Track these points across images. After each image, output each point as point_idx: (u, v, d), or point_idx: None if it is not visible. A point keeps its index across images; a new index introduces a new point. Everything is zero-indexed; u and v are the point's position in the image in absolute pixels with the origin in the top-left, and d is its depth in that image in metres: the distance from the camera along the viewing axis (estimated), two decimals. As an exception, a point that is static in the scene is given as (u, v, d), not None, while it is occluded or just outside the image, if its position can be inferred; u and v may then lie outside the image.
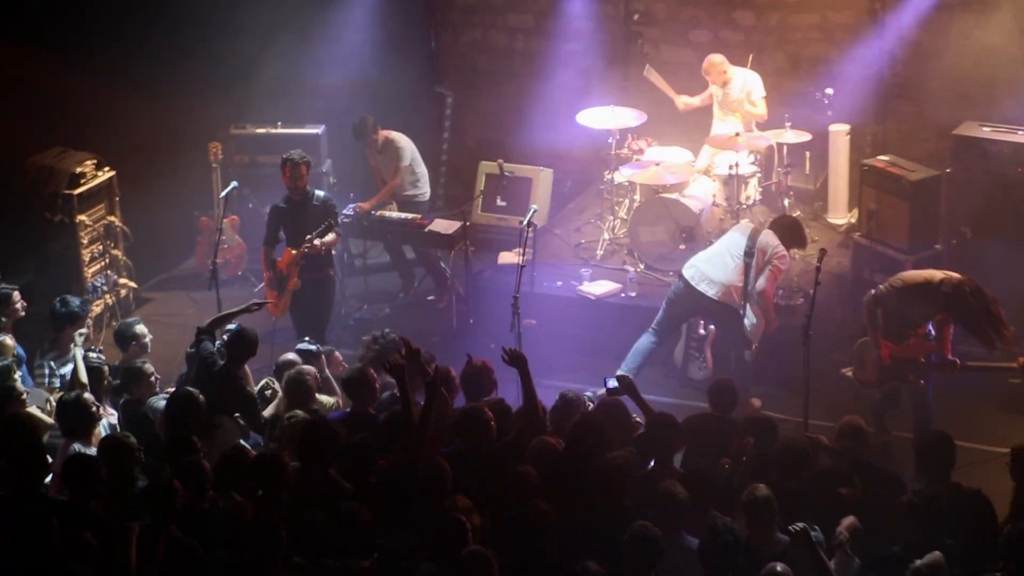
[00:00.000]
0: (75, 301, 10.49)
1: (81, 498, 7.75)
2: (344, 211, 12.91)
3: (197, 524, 7.65)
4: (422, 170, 13.42)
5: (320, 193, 11.94)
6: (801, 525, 7.11)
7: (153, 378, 9.68)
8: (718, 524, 7.27)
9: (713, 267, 10.99)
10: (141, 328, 10.33)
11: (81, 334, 10.16)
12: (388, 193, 13.18)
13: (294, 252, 11.62)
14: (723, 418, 9.05)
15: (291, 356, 9.97)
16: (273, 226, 11.88)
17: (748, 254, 10.87)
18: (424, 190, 13.45)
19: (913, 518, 7.56)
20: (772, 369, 11.55)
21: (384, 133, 13.24)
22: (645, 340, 11.22)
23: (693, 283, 10.98)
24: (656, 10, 14.44)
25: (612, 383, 8.91)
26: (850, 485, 8.16)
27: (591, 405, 9.34)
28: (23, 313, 10.67)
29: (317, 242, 11.52)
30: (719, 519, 7.46)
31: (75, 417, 8.80)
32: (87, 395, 8.95)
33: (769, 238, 10.91)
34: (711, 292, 10.93)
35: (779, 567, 6.95)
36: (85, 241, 12.79)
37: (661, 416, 8.48)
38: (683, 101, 13.42)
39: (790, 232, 11.05)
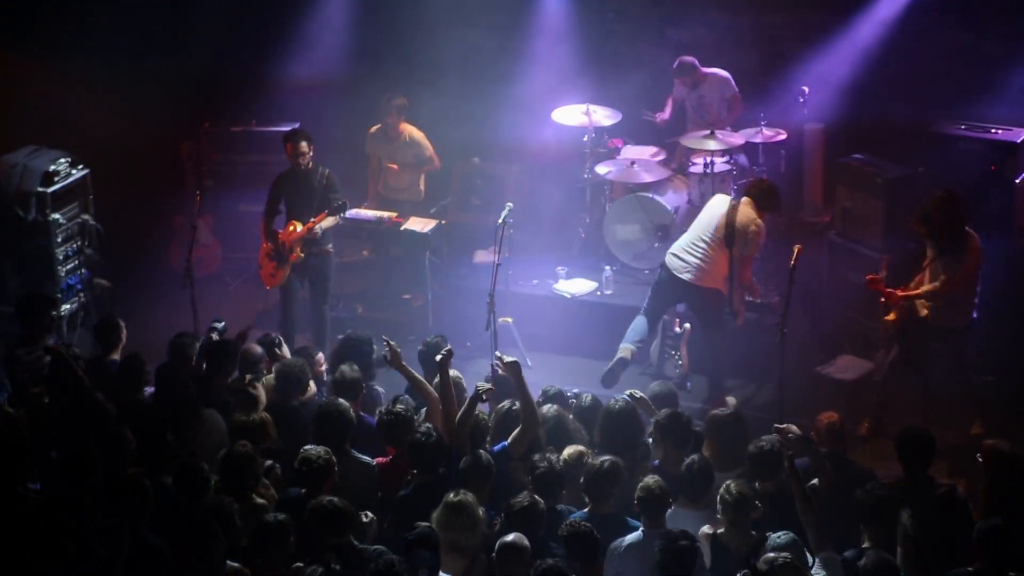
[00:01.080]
0: (42, 293, 10.47)
1: (78, 492, 7.81)
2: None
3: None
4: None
5: (324, 169, 11.91)
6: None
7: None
8: (672, 531, 7.31)
9: (689, 252, 11.04)
10: (120, 321, 10.35)
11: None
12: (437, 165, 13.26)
13: (299, 228, 11.65)
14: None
15: (255, 348, 9.99)
16: (274, 197, 11.91)
17: (728, 238, 10.87)
18: (421, 193, 13.42)
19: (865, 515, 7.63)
20: (747, 367, 11.58)
21: (408, 126, 13.18)
22: (640, 320, 11.27)
23: (673, 271, 11.03)
24: (631, 9, 14.45)
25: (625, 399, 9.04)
26: (822, 475, 8.20)
27: (573, 403, 9.39)
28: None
29: (318, 228, 11.60)
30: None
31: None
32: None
33: (746, 214, 10.88)
34: (688, 277, 10.97)
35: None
36: (59, 239, 12.71)
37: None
38: (660, 118, 13.47)
39: (766, 196, 11.02)
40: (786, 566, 6.89)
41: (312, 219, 11.60)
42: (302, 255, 11.72)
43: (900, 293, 10.24)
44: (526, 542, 7.25)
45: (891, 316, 10.35)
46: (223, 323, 10.41)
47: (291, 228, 11.71)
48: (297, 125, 13.84)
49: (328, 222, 11.69)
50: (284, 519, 7.47)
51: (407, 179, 13.28)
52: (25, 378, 10.01)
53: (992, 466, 8.12)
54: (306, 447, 8.19)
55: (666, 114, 13.46)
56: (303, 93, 14.56)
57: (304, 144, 11.65)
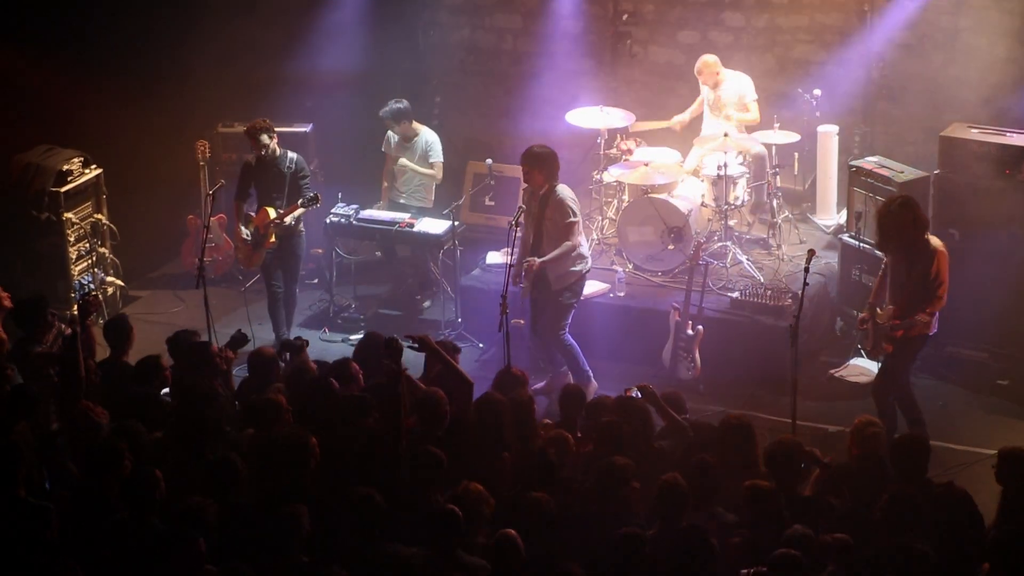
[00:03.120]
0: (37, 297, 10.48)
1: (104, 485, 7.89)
2: (333, 210, 12.88)
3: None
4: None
5: (292, 155, 12.06)
6: None
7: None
8: (691, 524, 7.33)
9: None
10: (131, 322, 10.34)
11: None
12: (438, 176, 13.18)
13: (272, 215, 11.81)
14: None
15: (267, 350, 9.97)
16: (243, 181, 12.11)
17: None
18: (431, 200, 13.32)
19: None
20: (759, 370, 11.56)
21: (416, 125, 13.09)
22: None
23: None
24: (645, 11, 14.43)
25: (636, 394, 8.98)
26: (839, 495, 8.17)
27: None
28: (10, 304, 10.61)
29: (288, 219, 11.82)
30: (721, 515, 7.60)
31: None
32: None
33: (560, 193, 10.87)
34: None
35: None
36: (72, 239, 12.75)
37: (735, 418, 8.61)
38: (676, 120, 13.45)
39: (547, 161, 10.90)
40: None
41: (283, 209, 11.82)
42: (276, 242, 11.93)
43: (899, 328, 10.02)
44: None
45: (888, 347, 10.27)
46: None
47: (265, 213, 11.88)
48: (310, 127, 13.90)
49: (299, 211, 11.92)
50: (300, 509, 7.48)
51: (417, 184, 13.21)
52: (34, 374, 10.05)
53: (1004, 470, 8.06)
54: None
55: (686, 115, 13.42)
56: (316, 92, 14.57)
57: (264, 137, 11.87)
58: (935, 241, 10.01)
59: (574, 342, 11.28)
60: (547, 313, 11.22)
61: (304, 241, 12.30)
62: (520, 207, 11.22)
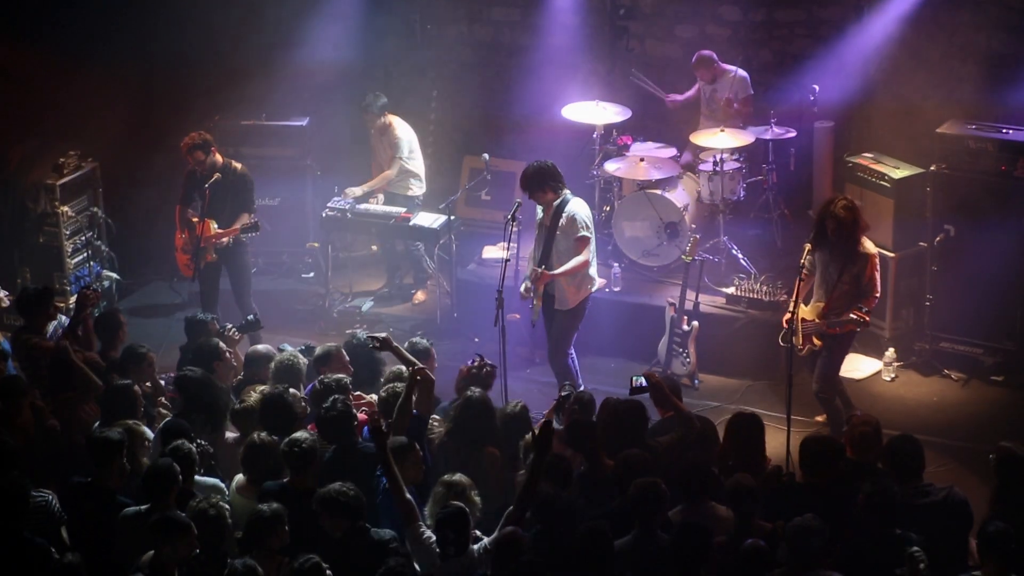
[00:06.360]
0: (34, 288, 10.48)
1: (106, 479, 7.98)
2: (329, 204, 12.88)
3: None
4: (417, 165, 13.23)
5: (237, 166, 11.91)
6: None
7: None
8: (688, 522, 7.32)
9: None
10: (122, 316, 10.36)
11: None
12: (381, 182, 13.05)
13: (214, 229, 11.68)
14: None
15: (262, 348, 9.95)
16: (188, 188, 11.95)
17: (552, 229, 10.61)
18: (416, 190, 13.23)
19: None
20: (755, 365, 11.57)
21: (389, 118, 13.05)
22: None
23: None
24: (642, 5, 14.40)
25: (640, 381, 8.89)
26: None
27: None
28: (7, 303, 10.64)
29: (226, 240, 11.69)
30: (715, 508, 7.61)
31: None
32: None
33: (572, 207, 10.59)
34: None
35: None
36: (68, 232, 12.76)
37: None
38: (671, 99, 13.42)
39: (544, 175, 10.59)
40: None
41: (223, 225, 11.69)
42: (215, 257, 11.80)
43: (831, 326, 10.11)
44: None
45: (817, 342, 10.29)
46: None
47: (207, 225, 11.71)
48: (306, 121, 13.86)
49: (241, 234, 11.74)
50: (278, 508, 7.50)
51: (401, 174, 13.19)
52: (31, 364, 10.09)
53: (1003, 468, 8.06)
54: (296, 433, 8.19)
55: (679, 98, 13.38)
56: (313, 86, 14.54)
57: (200, 153, 11.69)
58: (868, 244, 10.13)
59: (574, 362, 11.03)
60: (552, 332, 10.91)
61: (247, 251, 12.07)
62: (517, 202, 11.21)
